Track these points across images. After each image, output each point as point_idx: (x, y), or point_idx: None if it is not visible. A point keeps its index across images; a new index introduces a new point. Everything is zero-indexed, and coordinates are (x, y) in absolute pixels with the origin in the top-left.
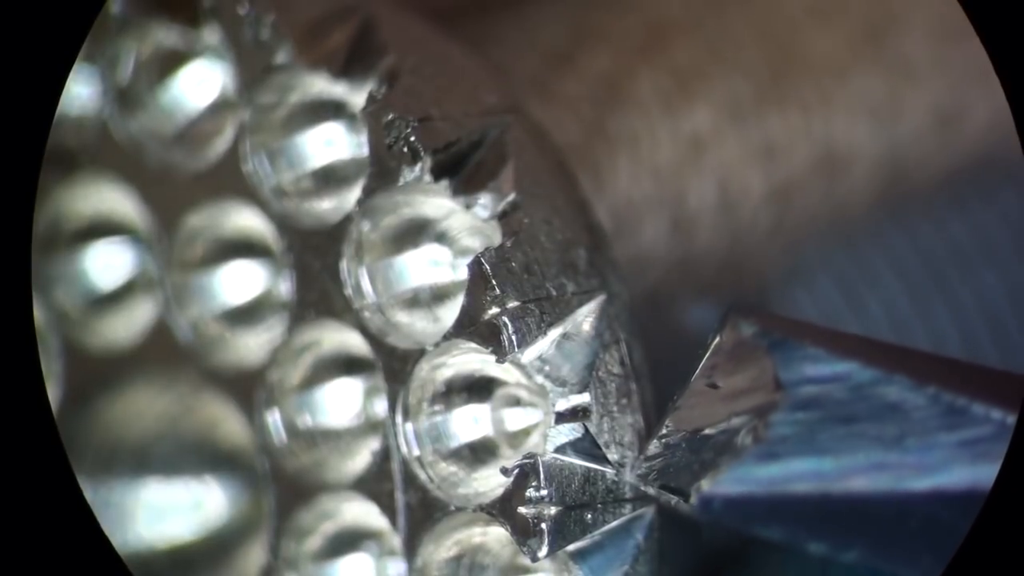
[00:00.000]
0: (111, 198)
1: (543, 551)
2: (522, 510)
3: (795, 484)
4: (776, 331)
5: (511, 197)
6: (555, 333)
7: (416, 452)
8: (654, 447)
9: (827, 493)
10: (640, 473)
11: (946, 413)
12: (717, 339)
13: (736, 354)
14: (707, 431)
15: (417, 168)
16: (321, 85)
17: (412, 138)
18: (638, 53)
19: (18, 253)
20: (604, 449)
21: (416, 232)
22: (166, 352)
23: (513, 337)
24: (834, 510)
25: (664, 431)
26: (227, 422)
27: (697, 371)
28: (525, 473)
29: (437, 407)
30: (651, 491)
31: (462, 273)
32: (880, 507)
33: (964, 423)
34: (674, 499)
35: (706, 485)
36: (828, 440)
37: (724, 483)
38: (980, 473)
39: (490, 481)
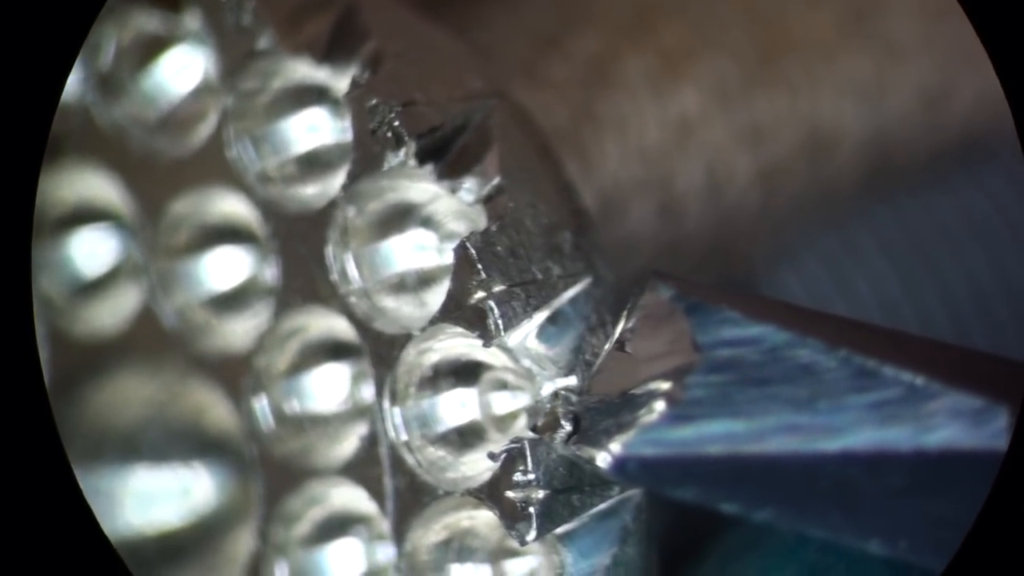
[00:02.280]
0: (95, 185)
1: (531, 534)
2: (510, 494)
3: (709, 445)
4: (693, 295)
5: (496, 181)
6: (541, 317)
7: (404, 437)
8: (577, 409)
9: (740, 454)
10: (561, 437)
11: (857, 375)
12: (636, 303)
13: (654, 317)
14: (626, 394)
15: (401, 153)
16: (304, 70)
17: (396, 123)
18: (625, 36)
19: (10, 242)
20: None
21: (401, 217)
22: (152, 339)
23: (499, 321)
24: (746, 471)
25: (585, 395)
26: (214, 408)
27: (616, 334)
28: (512, 457)
29: (424, 392)
30: (570, 452)
31: (448, 257)
32: (791, 467)
33: (874, 385)
34: (591, 459)
35: (620, 447)
36: (742, 402)
37: (638, 445)
38: (889, 434)
39: (478, 465)
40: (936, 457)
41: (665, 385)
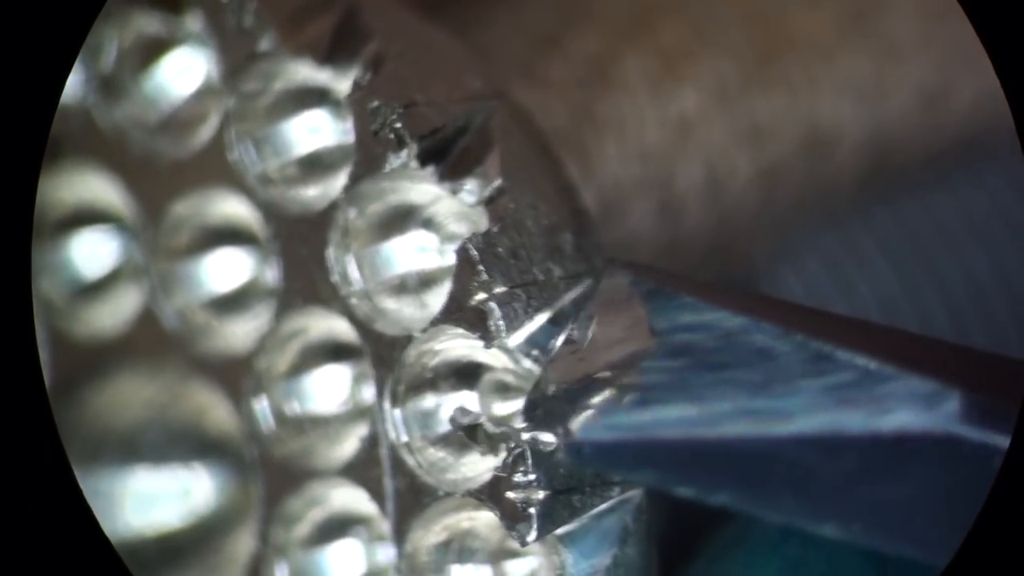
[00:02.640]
0: (96, 186)
1: (532, 535)
2: (510, 495)
3: (665, 430)
4: (650, 280)
5: (497, 182)
6: (542, 318)
7: (404, 438)
8: (535, 397)
9: (696, 438)
10: (521, 425)
11: (811, 359)
12: (594, 290)
13: (611, 303)
14: (583, 380)
15: (403, 154)
16: (305, 72)
17: (397, 124)
18: (624, 36)
19: (11, 244)
20: None
21: (402, 218)
22: (153, 340)
23: (500, 322)
24: (702, 455)
25: (543, 382)
26: (215, 410)
27: (574, 321)
28: (514, 458)
29: (425, 393)
30: (524, 439)
31: (449, 259)
32: (746, 451)
33: (828, 369)
34: (546, 444)
35: (576, 431)
36: (698, 386)
37: (594, 429)
38: (843, 418)
39: (478, 466)
40: (890, 440)
41: (622, 370)
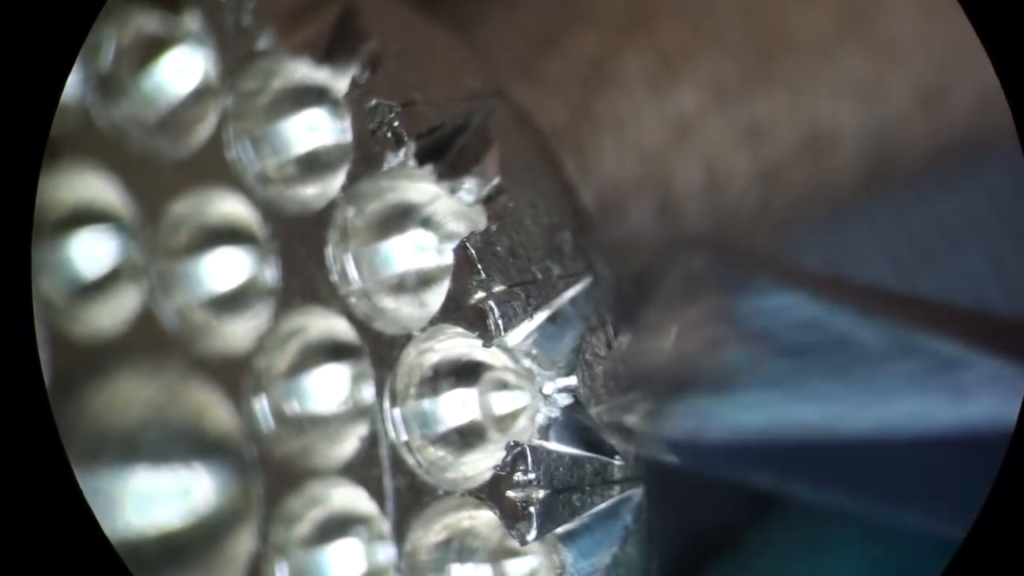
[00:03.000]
0: (94, 186)
1: (532, 534)
2: (510, 494)
3: (744, 418)
4: (727, 264)
5: (496, 181)
6: (541, 316)
7: (404, 437)
8: (611, 386)
9: (775, 426)
10: (598, 413)
11: (893, 344)
12: (669, 273)
13: (688, 288)
14: (659, 368)
15: (401, 153)
16: (304, 71)
17: (396, 123)
18: (623, 35)
19: (10, 244)
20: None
21: (401, 217)
22: (152, 340)
23: (499, 321)
24: (782, 443)
25: (617, 368)
26: (214, 409)
27: (650, 306)
28: (514, 457)
29: (424, 392)
30: (609, 434)
31: (448, 258)
32: (826, 439)
33: (911, 354)
34: (632, 439)
35: (655, 422)
36: (777, 372)
37: (679, 420)
38: (927, 404)
39: (478, 465)
40: (974, 426)
41: (700, 357)
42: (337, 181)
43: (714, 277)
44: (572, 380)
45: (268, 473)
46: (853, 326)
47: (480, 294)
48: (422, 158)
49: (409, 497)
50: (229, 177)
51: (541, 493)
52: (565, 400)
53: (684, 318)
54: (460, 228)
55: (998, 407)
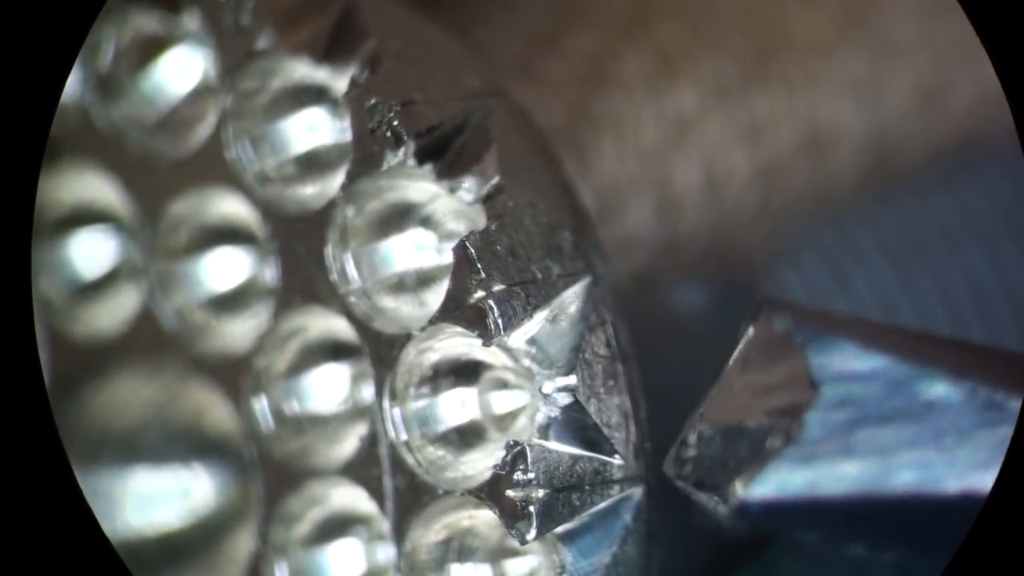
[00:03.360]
0: (94, 186)
1: (531, 533)
2: (510, 493)
3: (832, 487)
4: (809, 325)
5: (495, 180)
6: (541, 316)
7: (404, 436)
8: (689, 440)
9: (864, 495)
10: (676, 467)
11: (984, 409)
12: (750, 331)
13: (768, 349)
14: (740, 427)
15: (400, 152)
16: (303, 70)
17: (395, 122)
18: (622, 34)
19: (10, 244)
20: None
21: (401, 216)
22: (152, 340)
23: (499, 320)
24: (872, 512)
25: (697, 425)
26: (214, 409)
27: (730, 363)
28: (513, 456)
29: (424, 391)
30: (685, 488)
31: (447, 257)
32: (918, 508)
33: (1003, 419)
34: (708, 499)
35: (741, 490)
36: (863, 440)
37: (759, 487)
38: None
39: (478, 465)
40: None
41: (782, 422)
42: (336, 180)
43: (795, 339)
44: (572, 379)
45: (268, 473)
46: (942, 390)
47: (480, 293)
48: (421, 157)
49: (409, 497)
50: (228, 177)
51: (541, 492)
52: (565, 399)
53: (763, 380)
54: (459, 227)
55: None
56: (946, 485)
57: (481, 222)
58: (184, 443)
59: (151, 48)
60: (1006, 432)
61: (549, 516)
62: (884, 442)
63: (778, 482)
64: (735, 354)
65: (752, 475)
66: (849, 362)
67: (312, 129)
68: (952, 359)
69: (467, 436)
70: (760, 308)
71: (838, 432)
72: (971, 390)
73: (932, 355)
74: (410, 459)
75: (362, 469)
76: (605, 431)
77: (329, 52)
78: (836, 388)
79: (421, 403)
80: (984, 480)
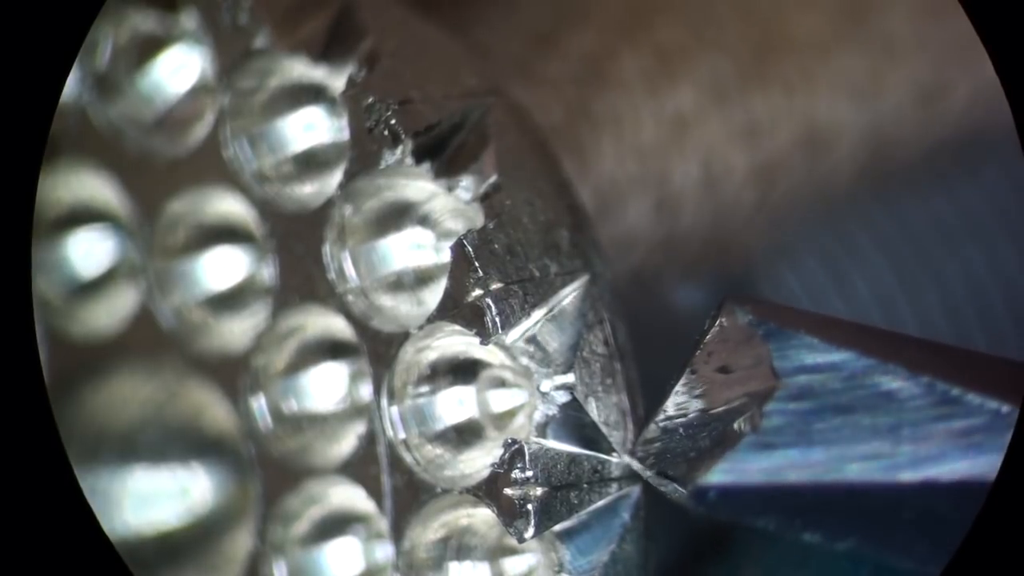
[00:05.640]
0: (91, 185)
1: (530, 532)
2: (508, 491)
3: (790, 475)
4: (772, 320)
5: (493, 179)
6: (539, 314)
7: (402, 435)
8: (652, 431)
9: (821, 483)
10: (639, 457)
11: (940, 403)
12: (715, 327)
13: (732, 342)
14: (704, 418)
15: (398, 151)
16: (300, 69)
17: (393, 121)
18: (621, 33)
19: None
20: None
21: (398, 215)
22: (150, 339)
23: (497, 319)
24: (828, 500)
25: (661, 415)
26: (212, 408)
27: (694, 357)
28: (511, 455)
29: (422, 390)
30: (647, 476)
31: (445, 256)
32: (874, 497)
33: (958, 413)
34: (669, 486)
35: (700, 476)
36: (823, 430)
37: (718, 474)
38: (975, 464)
39: (476, 463)
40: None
41: (743, 411)
42: (334, 179)
43: (758, 333)
44: (570, 378)
45: (266, 472)
46: (900, 384)
47: (477, 292)
48: (419, 156)
49: (407, 495)
50: (226, 176)
51: (539, 491)
52: (563, 397)
53: (726, 373)
54: (457, 226)
55: None
56: (901, 476)
57: (479, 221)
58: (182, 442)
59: (149, 47)
60: (961, 425)
61: (547, 514)
62: (842, 432)
63: (736, 469)
64: (699, 348)
65: (712, 462)
66: (810, 355)
67: (310, 128)
68: (911, 355)
69: (465, 434)
70: (724, 304)
71: (797, 422)
72: (928, 384)
73: (892, 350)
74: (408, 457)
75: (360, 468)
76: (603, 429)
77: (327, 51)
78: (797, 380)
79: (419, 401)
80: (939, 471)
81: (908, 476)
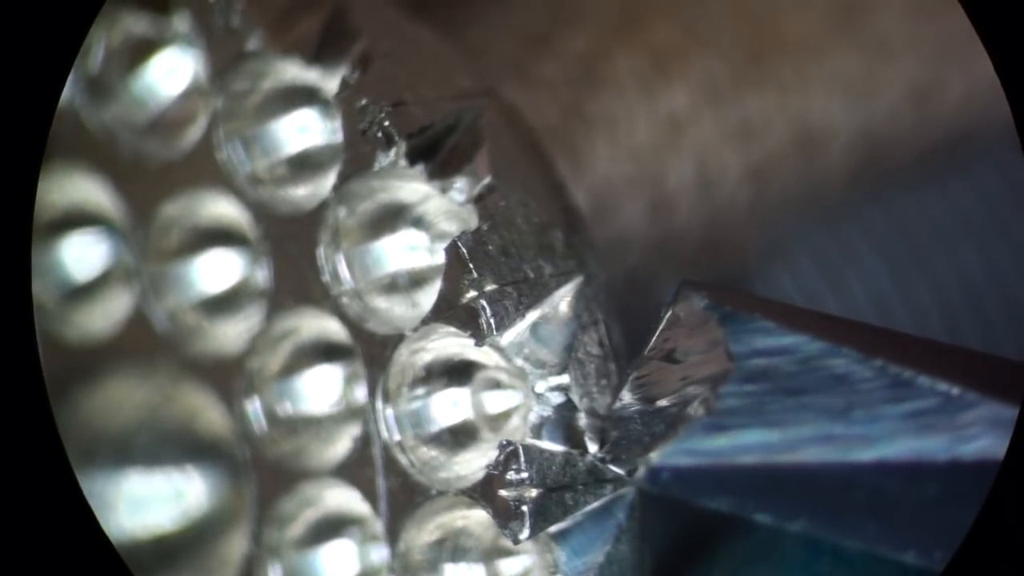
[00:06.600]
0: (85, 188)
1: (525, 533)
2: (503, 493)
3: (743, 455)
4: (727, 304)
5: (487, 180)
6: (533, 315)
7: (397, 437)
8: (610, 420)
9: (774, 464)
10: (595, 444)
11: (891, 385)
12: (670, 312)
13: (688, 326)
14: (659, 404)
15: (392, 153)
16: (294, 71)
17: (386, 123)
18: (615, 34)
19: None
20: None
21: (392, 217)
22: (144, 342)
23: (491, 320)
24: (781, 481)
25: (618, 404)
26: (207, 411)
27: (651, 344)
28: (506, 456)
29: (417, 392)
30: (607, 462)
31: (439, 257)
32: (826, 478)
33: (910, 395)
34: (623, 471)
35: (654, 457)
36: (776, 412)
37: (672, 455)
38: (925, 445)
39: (471, 465)
40: (971, 467)
41: (698, 394)
42: (328, 181)
43: (712, 316)
44: (564, 379)
45: (261, 474)
46: (852, 366)
47: (472, 293)
48: (413, 158)
49: (402, 497)
50: (220, 178)
51: (534, 492)
52: (558, 399)
53: (682, 357)
54: (451, 227)
55: (994, 447)
56: (853, 457)
57: (473, 222)
58: (177, 445)
59: (141, 50)
60: (912, 407)
61: (542, 515)
62: (795, 414)
63: (689, 450)
64: (655, 334)
65: (664, 443)
66: (765, 339)
67: (303, 130)
68: (865, 339)
69: (460, 436)
70: (680, 289)
71: (751, 404)
72: (880, 367)
73: (846, 335)
74: (403, 460)
75: (355, 470)
76: None
77: (320, 53)
78: (752, 363)
79: (414, 404)
80: (890, 452)
81: (860, 457)
